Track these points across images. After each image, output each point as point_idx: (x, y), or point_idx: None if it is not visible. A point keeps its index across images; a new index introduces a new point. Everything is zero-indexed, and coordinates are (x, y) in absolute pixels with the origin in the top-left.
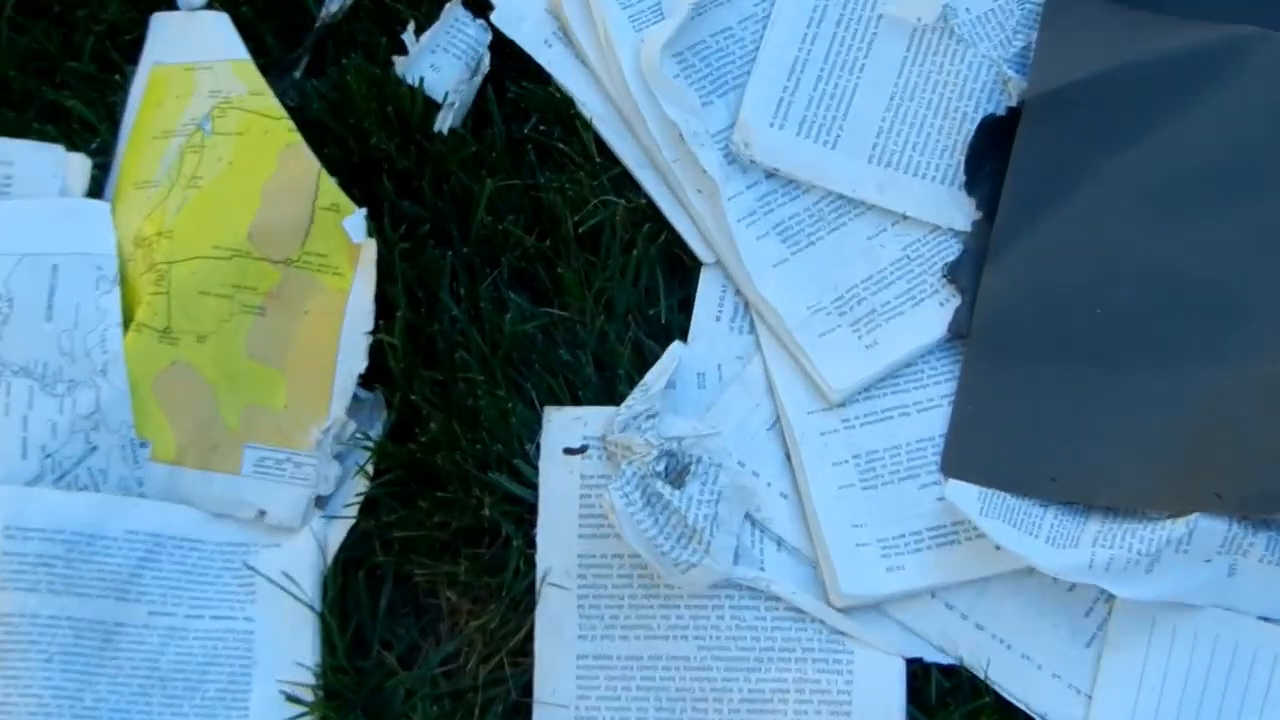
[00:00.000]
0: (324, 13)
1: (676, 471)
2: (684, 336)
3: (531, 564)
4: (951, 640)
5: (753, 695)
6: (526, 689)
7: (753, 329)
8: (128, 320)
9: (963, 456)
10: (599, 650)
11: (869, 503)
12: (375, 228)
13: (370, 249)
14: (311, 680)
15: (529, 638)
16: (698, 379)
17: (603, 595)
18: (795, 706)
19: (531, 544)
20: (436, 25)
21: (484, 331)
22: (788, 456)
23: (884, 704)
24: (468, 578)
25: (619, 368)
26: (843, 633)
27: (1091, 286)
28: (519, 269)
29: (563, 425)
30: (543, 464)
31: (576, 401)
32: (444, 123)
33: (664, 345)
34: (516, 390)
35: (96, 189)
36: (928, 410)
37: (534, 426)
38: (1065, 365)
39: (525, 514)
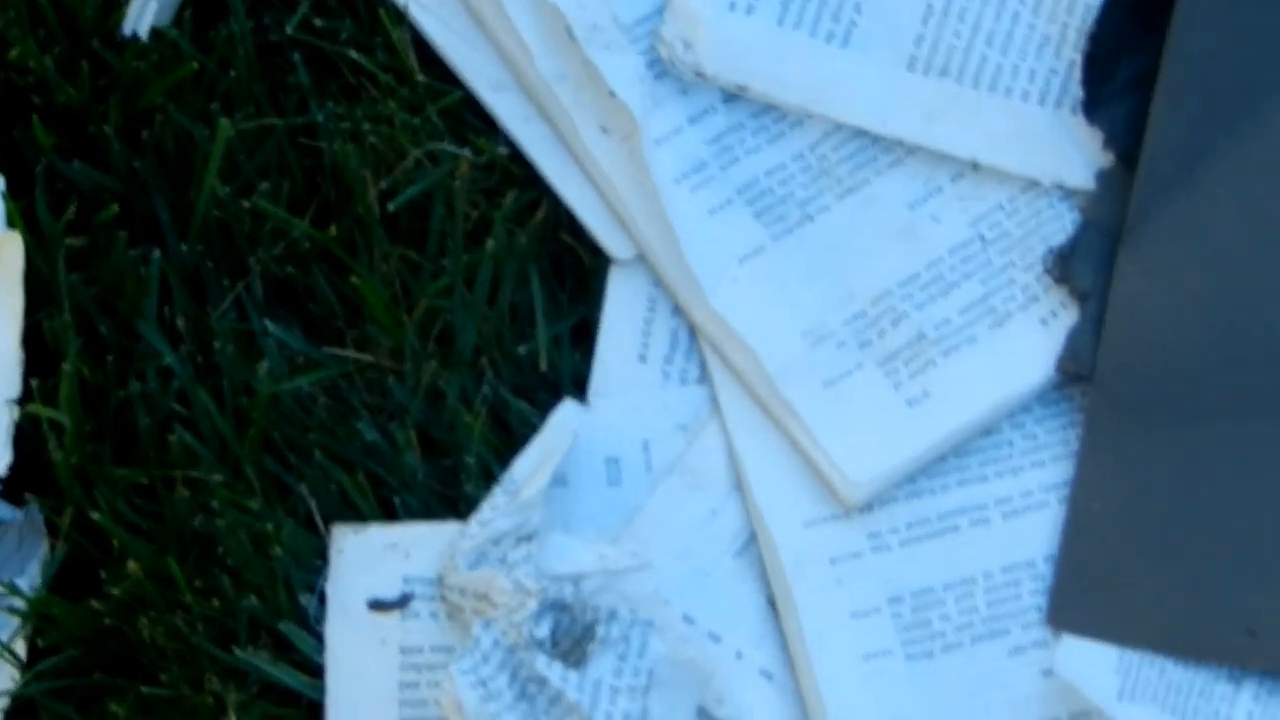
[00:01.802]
0: None
1: (573, 638)
2: (581, 393)
3: None
4: None
5: None
6: None
7: (704, 376)
8: None
9: (1087, 597)
10: None
11: (920, 684)
12: (21, 211)
13: (13, 250)
14: None
15: None
16: (608, 468)
17: None
18: None
19: None
20: None
21: (221, 395)
22: (772, 604)
23: None
24: None
25: (465, 452)
26: None
27: None
28: (282, 280)
29: (366, 559)
30: (330, 630)
31: (390, 515)
32: (138, 21)
33: (544, 408)
34: (282, 498)
35: None
36: (1022, 514)
37: (315, 562)
38: (1271, 426)
39: (302, 718)
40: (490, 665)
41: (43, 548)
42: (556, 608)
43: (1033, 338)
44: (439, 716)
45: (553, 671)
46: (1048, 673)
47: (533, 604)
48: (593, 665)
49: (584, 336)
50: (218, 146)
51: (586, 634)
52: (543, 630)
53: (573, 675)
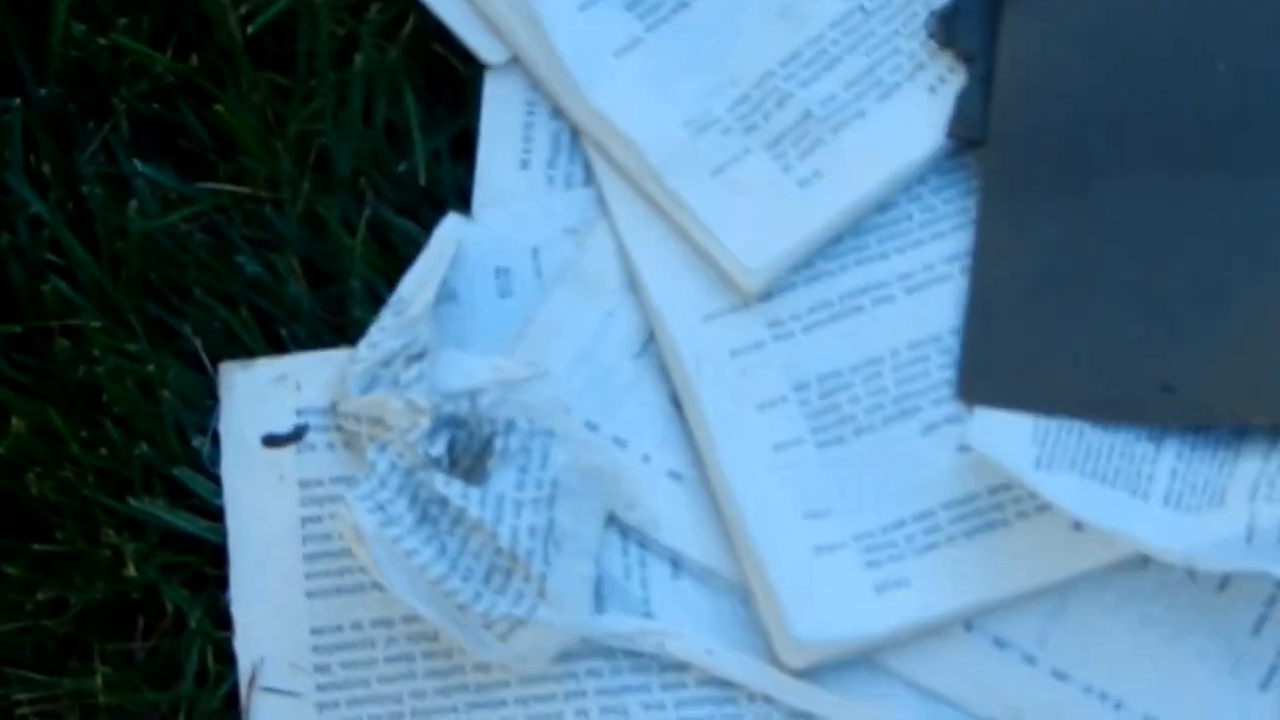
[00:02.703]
0: None
1: (472, 455)
2: (465, 205)
3: (228, 659)
4: (1011, 706)
5: None
6: None
7: (589, 178)
8: None
9: (997, 368)
10: None
11: (832, 471)
12: None
13: None
14: None
15: None
16: (497, 279)
17: (364, 699)
18: None
19: (223, 622)
20: None
21: (95, 240)
22: (676, 403)
23: None
24: (112, 698)
25: (350, 277)
26: (809, 715)
27: (1208, 34)
28: (149, 118)
29: (256, 395)
30: (226, 470)
31: (278, 347)
32: None
33: (428, 225)
34: (166, 341)
35: None
36: (925, 288)
37: (205, 403)
38: (1175, 176)
39: (205, 566)
40: (388, 489)
41: None
42: (452, 424)
43: (921, 106)
44: (342, 548)
45: (452, 489)
46: (963, 448)
47: (426, 422)
48: (494, 480)
49: (464, 148)
50: None
51: (485, 449)
52: (438, 448)
53: (473, 492)
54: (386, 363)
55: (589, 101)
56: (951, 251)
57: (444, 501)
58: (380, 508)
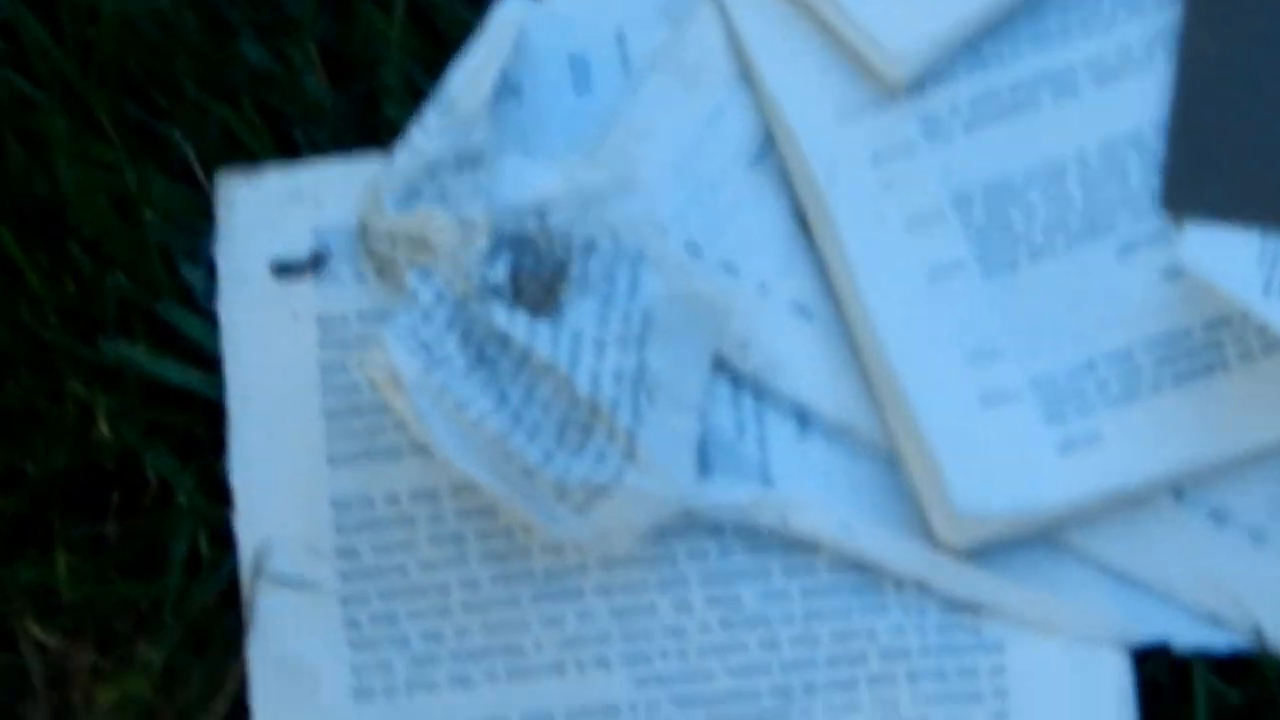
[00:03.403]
0: None
1: (540, 283)
2: None
3: (226, 543)
4: (1232, 593)
5: None
6: None
7: None
8: None
9: (1213, 171)
10: None
11: (1002, 302)
12: None
13: None
14: None
15: (239, 711)
16: (573, 70)
17: (401, 591)
18: None
19: (220, 496)
20: None
21: (57, 21)
22: (802, 220)
23: None
24: (78, 592)
25: (383, 67)
26: (974, 605)
27: None
28: None
29: (264, 213)
30: (225, 307)
31: (291, 154)
32: None
33: (482, 4)
34: (148, 148)
35: None
36: (1119, 76)
37: (198, 223)
38: None
39: (197, 427)
40: (434, 325)
41: None
42: (515, 245)
43: None
44: (374, 401)
45: (516, 324)
46: (1169, 273)
47: (482, 241)
48: (569, 314)
49: None
50: None
51: (557, 276)
52: (499, 274)
53: (543, 328)
54: (431, 171)
55: None
56: (1152, 30)
57: (505, 340)
58: (424, 347)
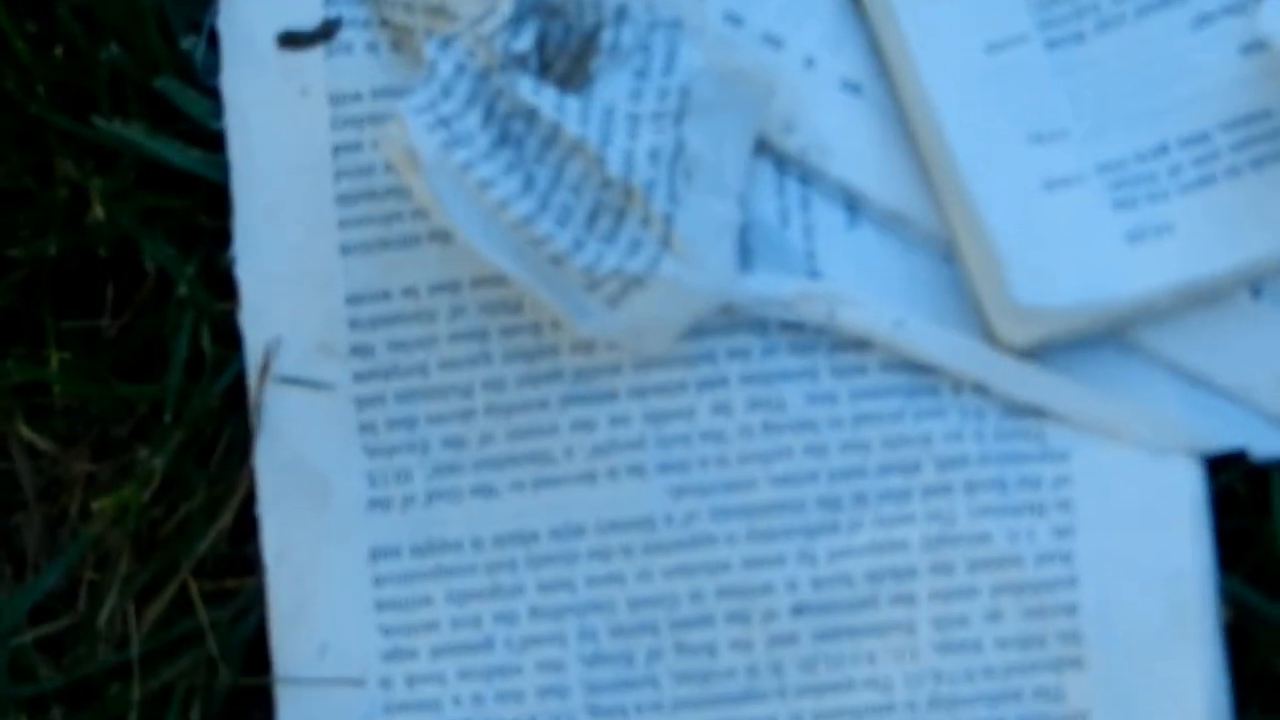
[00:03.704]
0: None
1: (570, 54)
2: None
3: (231, 340)
4: None
5: (826, 604)
6: (255, 646)
7: None
8: None
9: None
10: (424, 536)
11: (1067, 78)
12: None
13: None
14: None
15: (244, 522)
16: None
17: (420, 392)
18: (933, 616)
19: (224, 289)
20: None
21: None
22: None
23: (1160, 567)
24: (71, 392)
25: None
26: (1037, 409)
27: None
28: None
29: None
30: (229, 81)
31: None
32: None
33: None
34: None
35: None
36: None
37: None
38: None
39: (199, 213)
40: (454, 100)
41: None
42: (542, 11)
43: None
44: (391, 185)
45: (543, 98)
46: (1250, 47)
47: (507, 7)
48: (599, 87)
49: None
50: None
51: (587, 46)
52: (524, 42)
53: (572, 102)
54: None
55: None
56: None
57: (532, 114)
58: (443, 123)
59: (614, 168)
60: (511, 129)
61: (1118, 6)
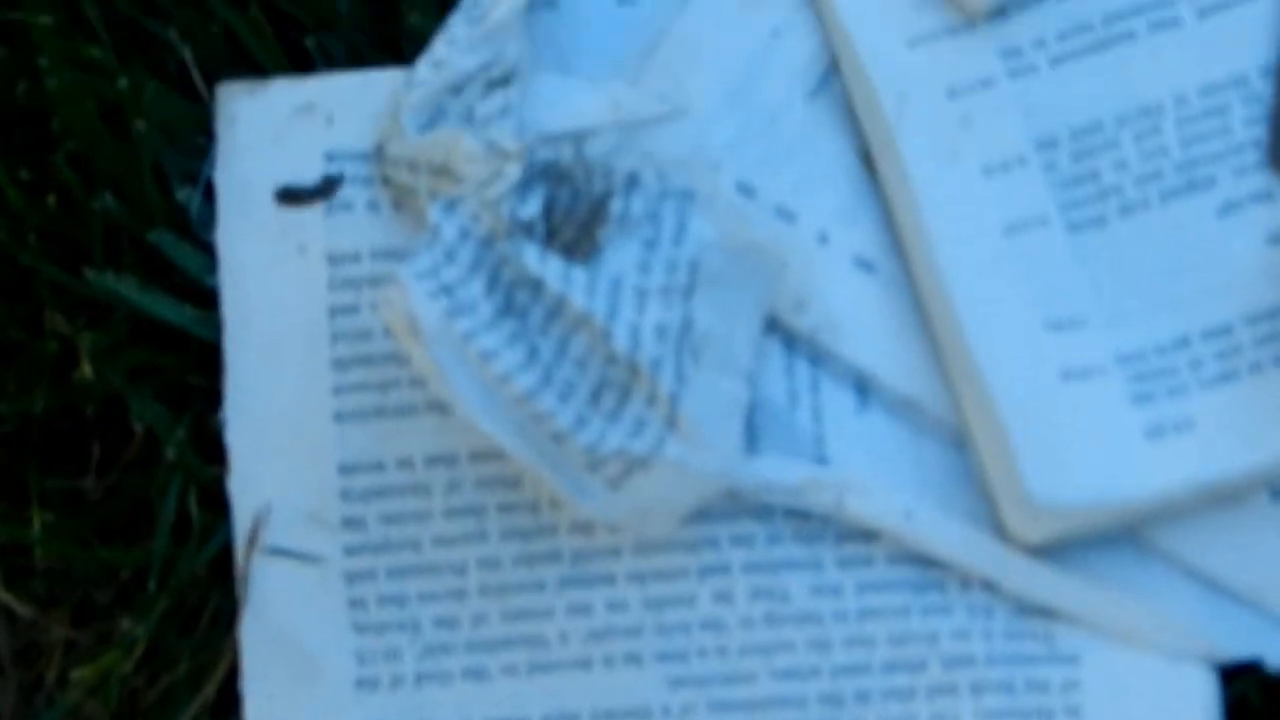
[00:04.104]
0: None
1: (577, 221)
2: None
3: (219, 507)
4: None
5: None
6: None
7: None
8: None
9: None
10: (413, 719)
11: (1088, 264)
12: None
13: None
14: None
15: (228, 695)
16: None
17: (413, 569)
18: None
19: (213, 453)
20: None
21: None
22: (868, 162)
23: None
24: (52, 554)
25: None
26: (1048, 609)
27: None
28: None
29: (269, 129)
30: (224, 236)
31: (301, 64)
32: None
33: None
34: (142, 50)
35: None
36: (1226, 7)
37: (196, 140)
38: None
39: (191, 372)
40: (457, 266)
41: None
42: (550, 177)
43: None
44: (389, 351)
45: (548, 268)
46: (1276, 237)
47: (514, 171)
48: (608, 258)
49: None
50: None
51: (596, 214)
52: (531, 209)
53: (578, 273)
54: (457, 89)
55: None
56: None
57: (537, 285)
58: (446, 291)
59: (620, 343)
60: (515, 298)
61: (1142, 190)
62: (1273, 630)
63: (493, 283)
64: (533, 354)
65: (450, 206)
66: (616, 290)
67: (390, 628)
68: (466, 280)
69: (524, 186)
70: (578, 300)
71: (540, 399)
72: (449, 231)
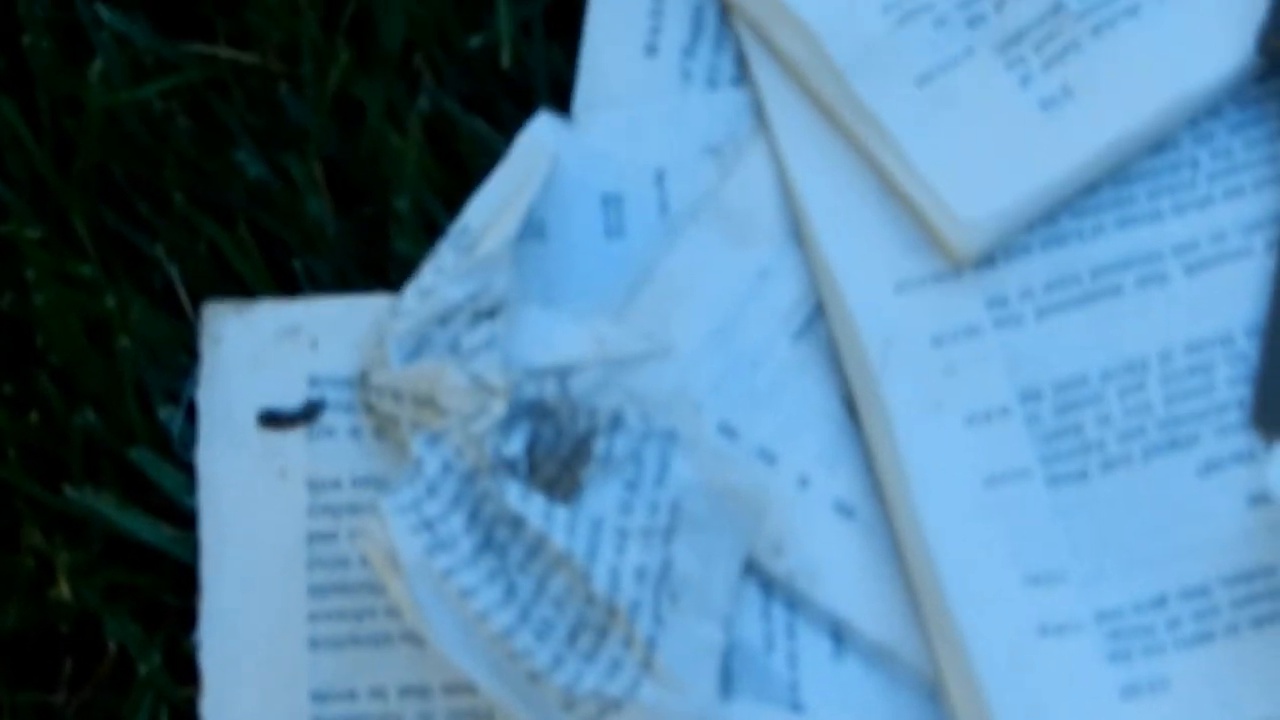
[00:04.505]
0: None
1: (559, 460)
2: (564, 103)
3: None
4: None
5: None
6: None
7: (743, 75)
8: None
9: None
10: None
11: (1068, 519)
12: None
13: None
14: None
15: None
16: (605, 211)
17: None
18: None
19: (186, 674)
20: None
21: (35, 113)
22: (850, 406)
23: None
24: None
25: (395, 192)
26: None
27: None
28: None
29: (253, 352)
30: (204, 458)
31: (288, 287)
32: None
33: (509, 126)
34: (128, 265)
35: None
36: (1213, 266)
37: (179, 359)
38: None
39: (166, 593)
40: (439, 501)
41: None
42: (535, 414)
43: (1221, 5)
44: (365, 580)
45: (530, 507)
46: (1257, 499)
47: (499, 408)
48: (589, 498)
49: (565, 21)
50: None
51: (579, 452)
52: (514, 446)
53: (560, 513)
54: (444, 319)
55: None
56: (1252, 217)
57: (517, 523)
58: (427, 526)
59: (599, 585)
60: (496, 534)
61: (1124, 446)
62: None
63: (473, 518)
64: (511, 591)
65: (434, 440)
66: (597, 531)
67: None
68: (447, 515)
69: (508, 423)
70: (558, 540)
71: (517, 637)
72: (432, 465)
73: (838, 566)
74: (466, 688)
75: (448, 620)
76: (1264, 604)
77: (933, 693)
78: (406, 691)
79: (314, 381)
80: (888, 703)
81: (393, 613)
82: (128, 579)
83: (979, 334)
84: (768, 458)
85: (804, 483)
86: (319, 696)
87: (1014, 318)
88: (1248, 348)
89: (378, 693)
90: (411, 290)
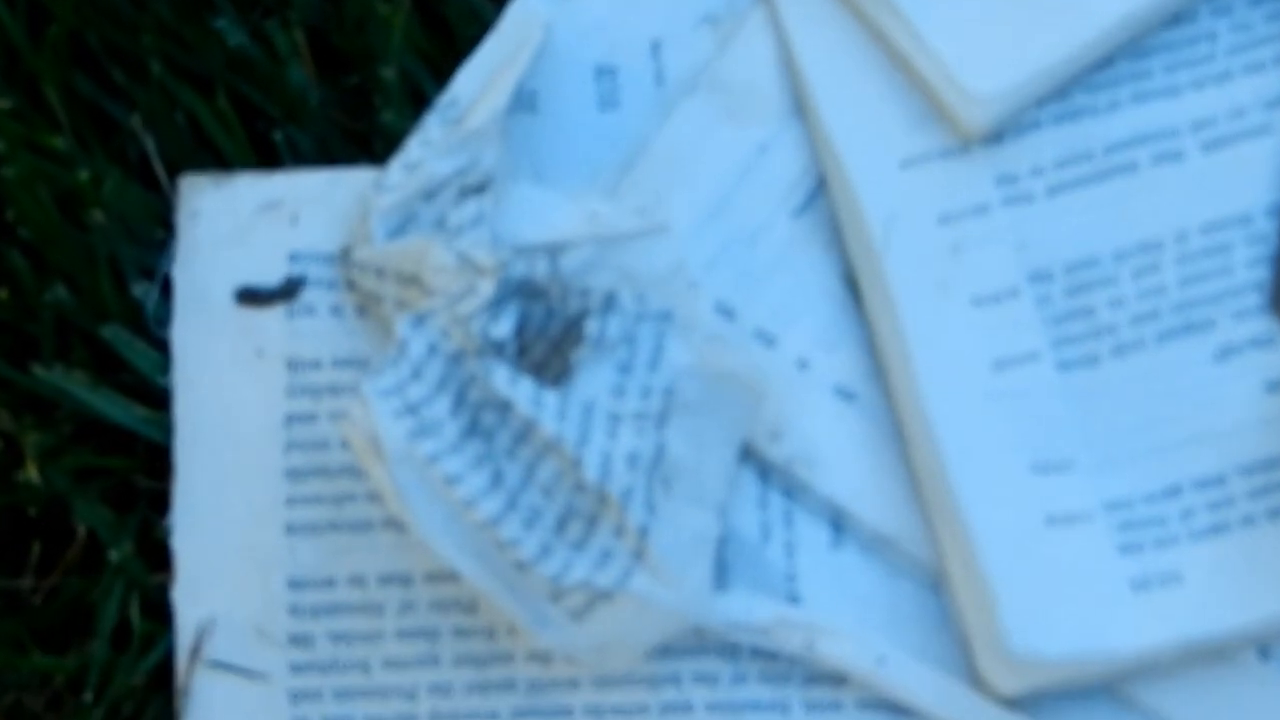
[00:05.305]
0: None
1: (550, 341)
2: None
3: (162, 615)
4: None
5: None
6: None
7: None
8: None
9: None
10: None
11: (1078, 405)
12: None
13: None
14: None
15: None
16: (598, 82)
17: (360, 691)
18: None
19: (158, 560)
20: None
21: None
22: (852, 286)
23: None
24: None
25: (381, 61)
26: None
27: None
28: None
29: (232, 226)
30: (180, 336)
31: (268, 159)
32: None
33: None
34: (103, 136)
35: None
36: (1231, 143)
37: (155, 233)
38: None
39: (139, 475)
40: (423, 384)
41: None
42: (524, 293)
43: None
44: (347, 465)
45: (518, 390)
46: (1274, 385)
47: (487, 287)
48: (580, 381)
49: None
50: None
51: (569, 334)
52: (503, 328)
53: (549, 396)
54: (430, 194)
55: None
56: (1272, 93)
57: (505, 406)
58: (411, 410)
59: (590, 472)
60: (482, 419)
61: (1137, 330)
62: None
63: (459, 402)
64: (498, 477)
65: (419, 321)
66: (588, 415)
67: None
68: (432, 399)
69: (496, 304)
70: (548, 425)
71: (504, 525)
72: (416, 347)
73: (837, 453)
74: (449, 577)
75: (431, 507)
76: None
77: (935, 584)
78: (387, 580)
79: (294, 257)
80: (888, 594)
81: (374, 498)
82: (98, 461)
83: (987, 212)
84: (766, 339)
85: (803, 365)
86: (296, 584)
87: (1024, 195)
88: (1267, 228)
89: (357, 580)
90: (397, 164)
